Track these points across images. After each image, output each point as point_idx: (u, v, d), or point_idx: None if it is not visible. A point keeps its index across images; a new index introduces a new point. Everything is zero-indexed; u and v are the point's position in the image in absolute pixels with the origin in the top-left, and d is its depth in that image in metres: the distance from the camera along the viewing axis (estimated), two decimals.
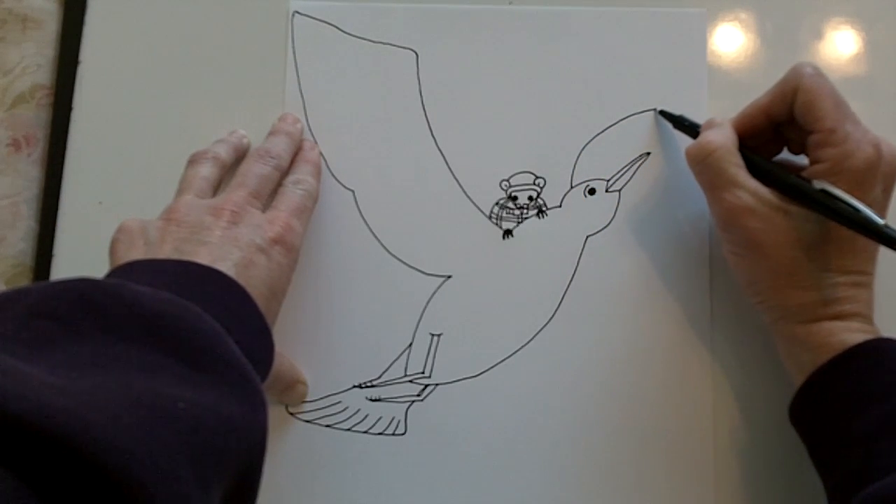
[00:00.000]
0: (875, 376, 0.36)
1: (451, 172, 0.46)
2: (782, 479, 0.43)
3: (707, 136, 0.40)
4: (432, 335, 0.45)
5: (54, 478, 0.22)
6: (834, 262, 0.38)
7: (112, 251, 0.37)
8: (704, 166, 0.40)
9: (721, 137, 0.40)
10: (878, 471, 0.33)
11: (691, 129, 0.44)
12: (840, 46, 0.47)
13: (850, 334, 0.37)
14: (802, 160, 0.42)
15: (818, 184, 0.38)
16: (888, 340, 0.37)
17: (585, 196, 0.46)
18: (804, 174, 0.39)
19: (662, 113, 0.46)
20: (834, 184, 0.37)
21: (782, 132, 0.42)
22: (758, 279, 0.39)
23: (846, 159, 0.37)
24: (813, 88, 0.38)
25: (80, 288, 0.29)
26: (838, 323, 0.38)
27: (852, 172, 0.37)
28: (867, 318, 0.38)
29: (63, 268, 0.46)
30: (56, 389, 0.24)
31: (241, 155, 0.44)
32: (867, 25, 0.48)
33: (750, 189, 0.38)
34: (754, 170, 0.40)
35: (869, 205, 0.36)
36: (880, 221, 0.36)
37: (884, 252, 0.39)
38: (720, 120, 0.42)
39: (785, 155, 0.43)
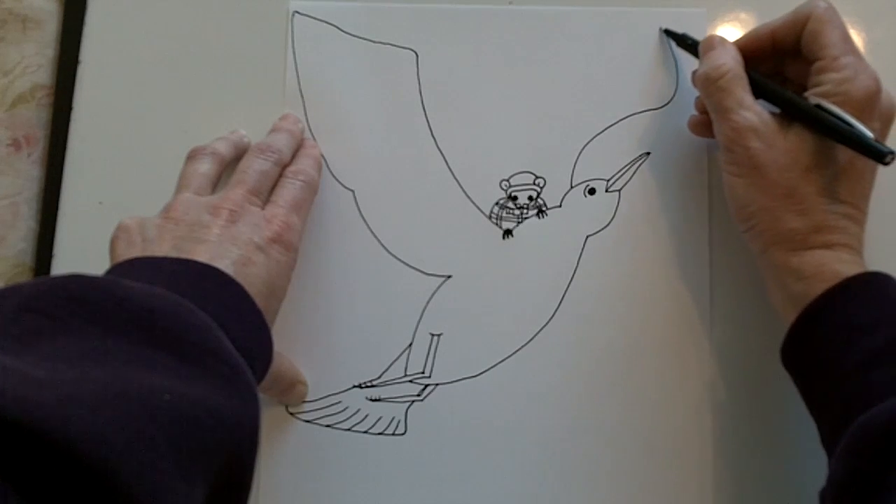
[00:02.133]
0: (869, 308, 0.36)
1: (451, 172, 0.46)
2: (782, 479, 0.43)
3: (719, 59, 0.41)
4: (432, 335, 0.45)
5: (32, 471, 0.22)
6: (829, 189, 0.38)
7: (111, 249, 0.37)
8: (715, 88, 0.40)
9: (732, 60, 0.41)
10: (872, 398, 0.34)
11: (694, 48, 0.44)
12: None
13: (842, 265, 0.37)
14: None
15: (814, 100, 0.38)
16: (881, 274, 0.37)
17: (585, 196, 0.46)
18: (804, 95, 0.40)
19: (667, 32, 0.46)
20: None
21: (784, 71, 0.43)
22: (752, 201, 0.39)
23: (844, 83, 0.38)
24: (824, 18, 0.39)
25: (71, 284, 0.29)
26: (829, 252, 0.38)
27: (850, 98, 0.38)
28: (857, 251, 0.39)
29: (63, 268, 0.46)
30: (38, 383, 0.24)
31: (240, 152, 0.44)
32: (867, 25, 0.48)
33: (755, 111, 0.39)
34: (753, 85, 0.40)
35: None
36: (870, 135, 0.37)
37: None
38: (720, 37, 0.42)
39: None
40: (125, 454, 0.24)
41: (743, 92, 0.40)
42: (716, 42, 0.42)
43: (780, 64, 0.43)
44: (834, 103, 0.38)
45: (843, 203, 0.38)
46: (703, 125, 0.44)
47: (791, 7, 0.48)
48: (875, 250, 0.40)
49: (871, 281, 0.37)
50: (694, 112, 0.45)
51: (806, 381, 0.38)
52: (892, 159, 0.36)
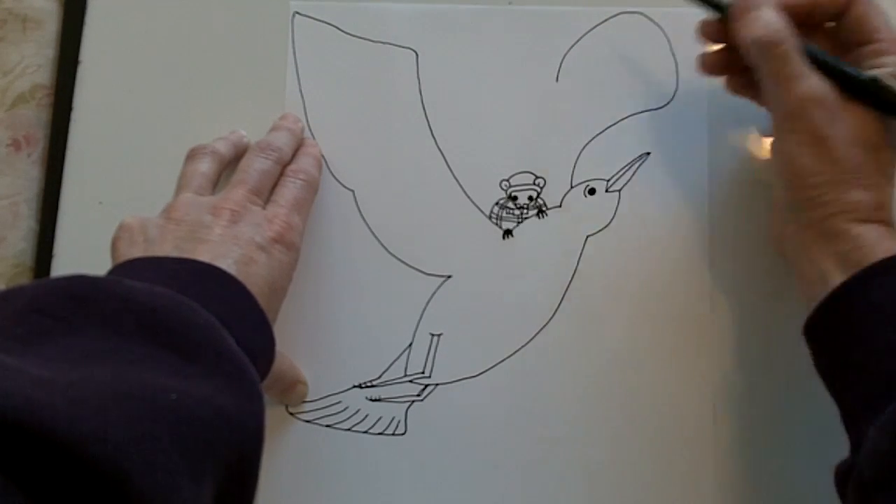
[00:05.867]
0: None
1: (451, 172, 0.46)
2: (783, 479, 0.43)
3: (773, 22, 0.38)
4: (432, 335, 0.45)
5: (39, 472, 0.22)
6: (891, 168, 0.38)
7: (113, 248, 0.37)
8: (773, 55, 0.38)
9: (785, 24, 0.38)
10: None
11: (717, 6, 0.41)
12: None
13: None
14: None
15: (870, 73, 0.37)
16: None
17: (585, 196, 0.46)
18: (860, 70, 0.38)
19: None
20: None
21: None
22: (818, 172, 0.37)
23: None
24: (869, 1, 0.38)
25: (75, 284, 0.30)
26: (890, 229, 0.37)
27: None
28: None
29: (63, 268, 0.46)
30: (43, 383, 0.24)
31: (240, 152, 0.44)
32: None
33: (817, 79, 0.37)
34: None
35: None
36: None
37: None
38: None
39: None
40: (133, 454, 0.24)
41: (802, 58, 0.38)
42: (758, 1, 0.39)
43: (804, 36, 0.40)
44: None
45: None
46: (718, 64, 0.42)
47: None
48: None
49: None
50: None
51: (834, 354, 0.36)
52: None
